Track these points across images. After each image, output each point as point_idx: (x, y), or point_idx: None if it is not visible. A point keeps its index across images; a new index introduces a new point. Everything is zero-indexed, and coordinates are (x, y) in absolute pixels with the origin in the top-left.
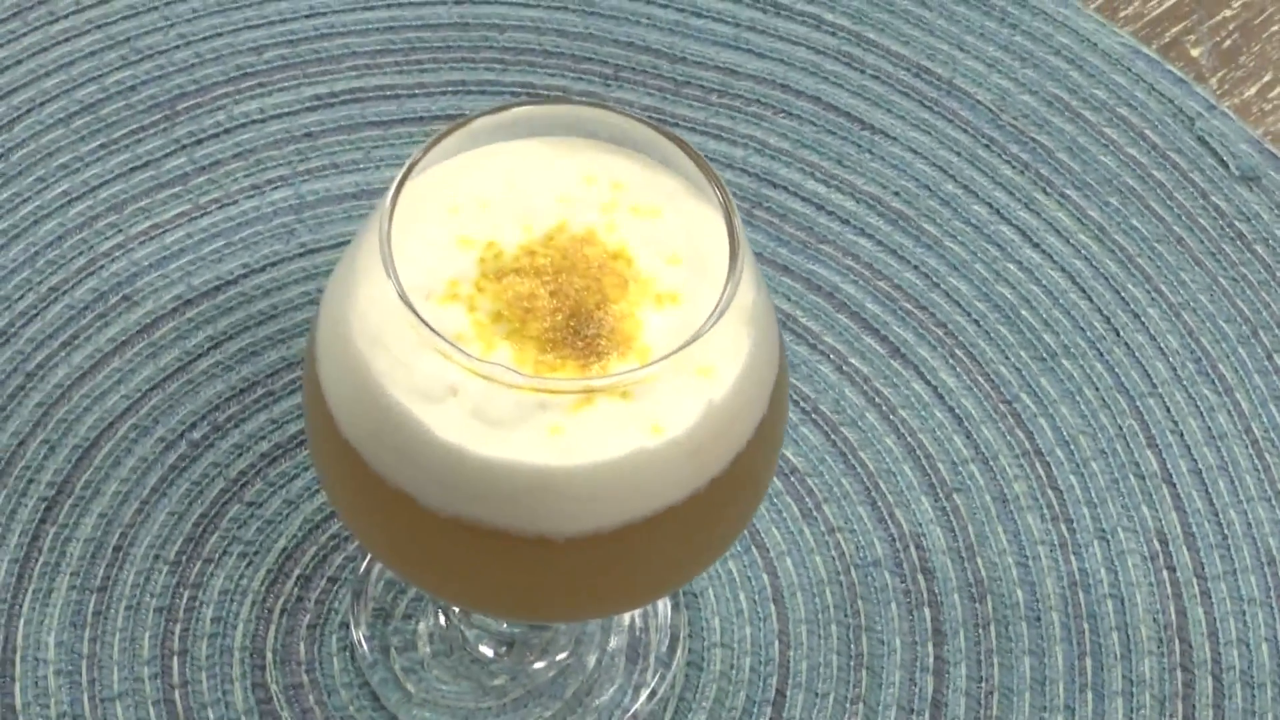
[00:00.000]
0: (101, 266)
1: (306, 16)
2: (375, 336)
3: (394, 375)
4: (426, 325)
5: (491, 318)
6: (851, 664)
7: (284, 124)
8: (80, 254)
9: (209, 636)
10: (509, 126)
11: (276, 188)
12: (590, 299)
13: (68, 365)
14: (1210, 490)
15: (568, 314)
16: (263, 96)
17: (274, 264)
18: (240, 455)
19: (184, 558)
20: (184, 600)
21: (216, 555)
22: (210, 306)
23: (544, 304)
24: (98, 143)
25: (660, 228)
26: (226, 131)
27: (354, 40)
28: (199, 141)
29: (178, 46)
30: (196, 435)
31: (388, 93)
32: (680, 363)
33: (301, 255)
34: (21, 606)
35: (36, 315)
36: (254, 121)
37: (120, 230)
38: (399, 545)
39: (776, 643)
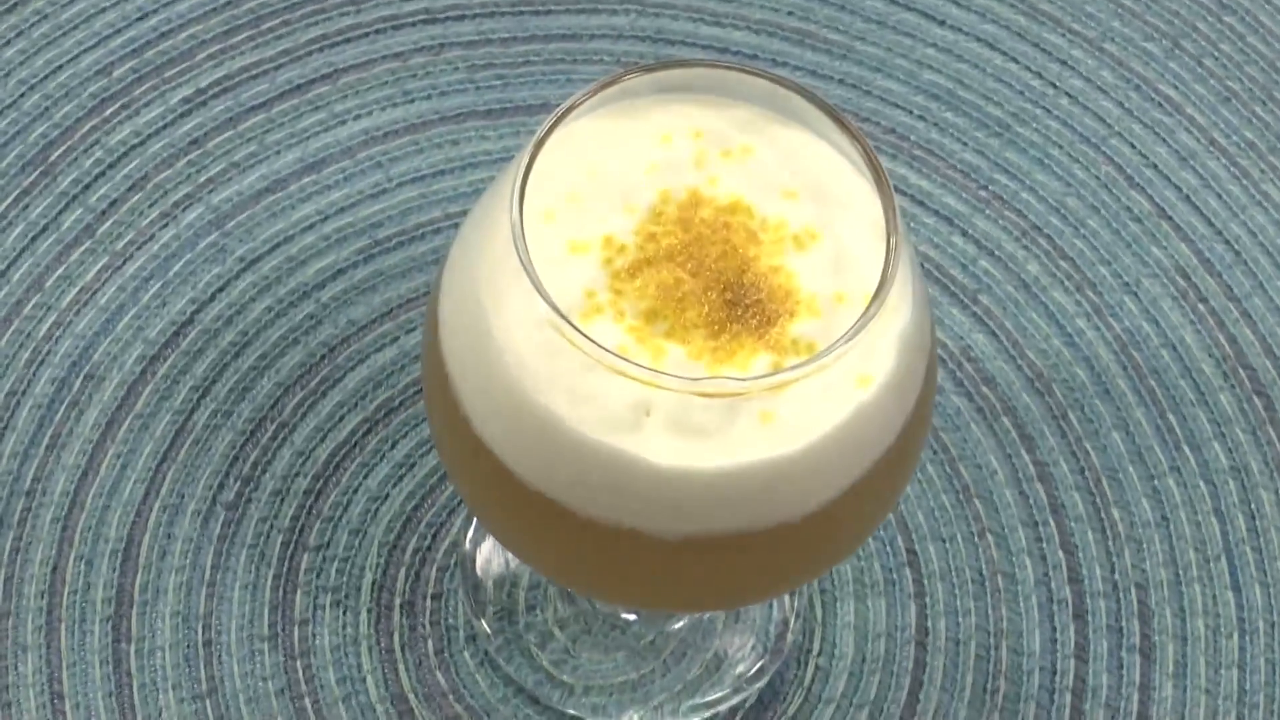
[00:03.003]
0: (49, 352)
1: (140, 19)
2: (541, 377)
3: (577, 413)
4: (620, 357)
5: (645, 319)
6: (962, 498)
7: (164, 139)
8: (20, 346)
9: (342, 700)
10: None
11: (186, 208)
12: (732, 264)
13: (63, 468)
14: (1204, 211)
15: (720, 289)
16: (132, 118)
17: (221, 288)
18: (283, 501)
19: (278, 629)
20: (300, 672)
21: (310, 614)
22: (178, 355)
23: (690, 287)
24: None
25: (760, 164)
26: (110, 166)
27: (198, 29)
28: (86, 187)
29: (23, 94)
30: (229, 496)
31: (254, 71)
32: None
33: (245, 270)
34: None
35: (6, 427)
36: (133, 147)
37: (50, 307)
38: (620, 578)
39: None
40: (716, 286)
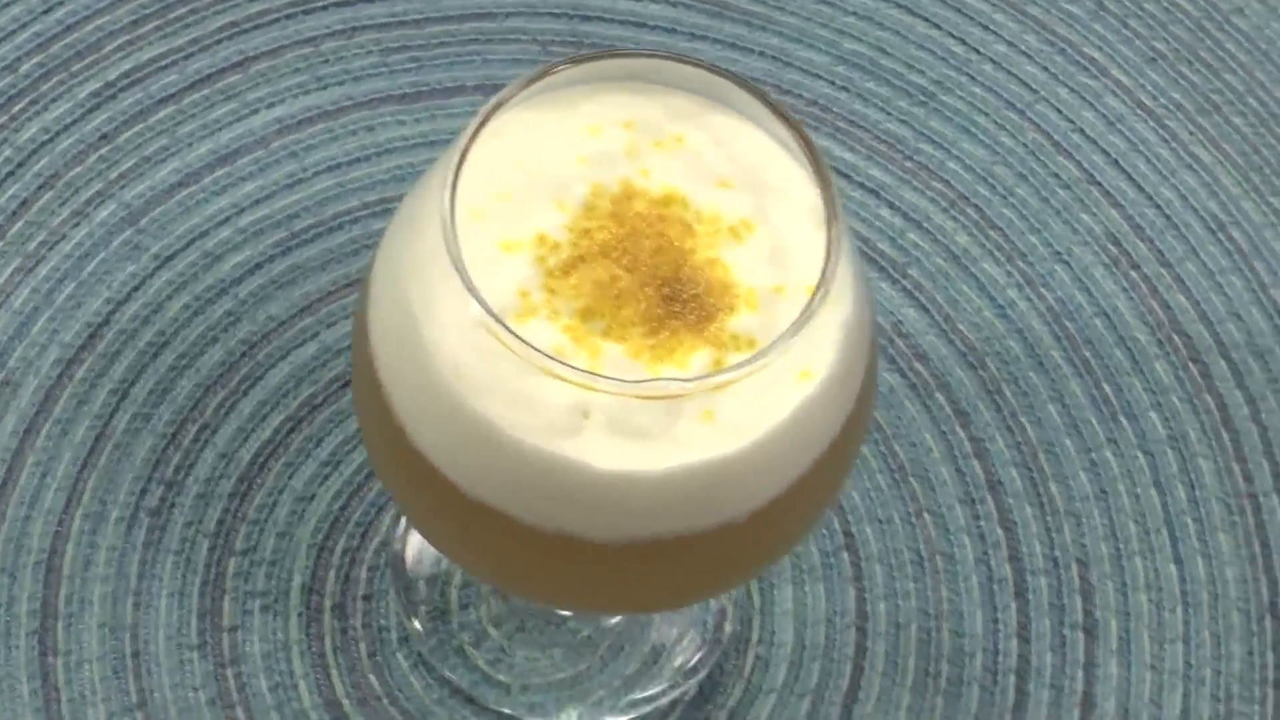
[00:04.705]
0: None
1: (45, 11)
2: (477, 384)
3: (516, 418)
4: (558, 361)
5: (581, 317)
6: (898, 478)
7: (74, 135)
8: None
9: (275, 708)
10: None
11: (98, 205)
12: (668, 258)
13: None
14: (1133, 175)
15: (657, 285)
16: (40, 113)
17: (136, 287)
18: (208, 505)
19: (207, 636)
20: (230, 680)
21: (239, 620)
22: (95, 358)
23: (626, 283)
24: None
25: (693, 153)
26: (20, 165)
27: (105, 20)
28: None
29: None
30: (153, 502)
31: (164, 62)
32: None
33: (160, 267)
34: None
35: None
36: (43, 143)
37: None
38: (559, 582)
39: None
40: (653, 282)
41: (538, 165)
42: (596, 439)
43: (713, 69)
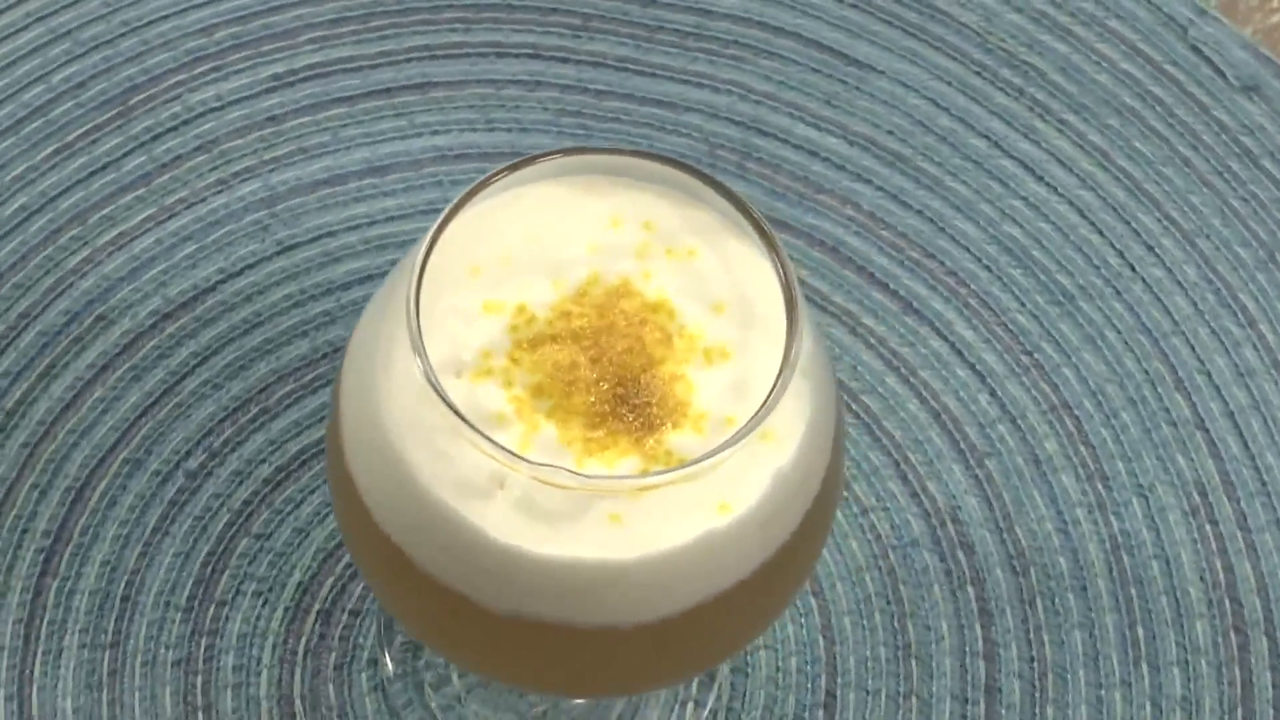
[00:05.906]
0: (71, 284)
1: None
2: (409, 426)
3: (434, 469)
4: (472, 427)
5: (531, 392)
6: (900, 655)
7: (244, 109)
8: (47, 273)
9: (232, 687)
10: (528, 170)
11: (244, 180)
12: (635, 362)
13: (48, 398)
14: (1244, 433)
15: (614, 382)
16: (219, 81)
17: (251, 265)
18: (241, 483)
19: (196, 602)
20: (201, 649)
21: (230, 596)
22: (190, 319)
23: (586, 374)
24: (51, 148)
25: (699, 271)
26: (185, 123)
27: (308, 11)
28: (156, 137)
29: (123, 34)
30: (193, 464)
31: (349, 65)
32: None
33: (280, 253)
34: (33, 671)
35: (9, 346)
36: (212, 110)
37: (86, 243)
38: (450, 638)
39: (821, 639)
40: (611, 379)
41: (549, 240)
42: (502, 510)
43: (732, 196)
